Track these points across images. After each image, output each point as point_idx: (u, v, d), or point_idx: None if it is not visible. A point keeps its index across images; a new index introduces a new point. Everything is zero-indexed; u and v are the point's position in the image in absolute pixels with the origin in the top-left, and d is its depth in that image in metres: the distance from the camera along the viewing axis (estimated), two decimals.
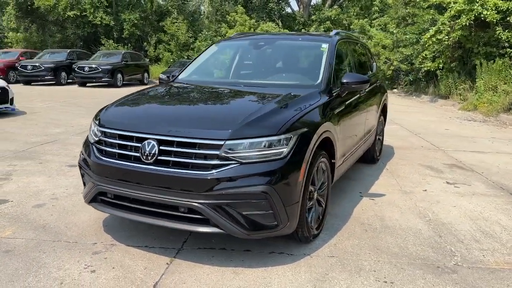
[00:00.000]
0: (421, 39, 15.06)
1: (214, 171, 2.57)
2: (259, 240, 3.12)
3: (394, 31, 18.78)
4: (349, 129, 3.92)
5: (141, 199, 2.76)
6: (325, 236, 3.34)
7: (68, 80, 19.61)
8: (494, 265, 2.93)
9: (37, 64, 18.53)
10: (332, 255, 3.01)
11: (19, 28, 30.46)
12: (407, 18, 18.40)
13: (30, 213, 3.63)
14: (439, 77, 15.03)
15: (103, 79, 18.31)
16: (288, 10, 32.43)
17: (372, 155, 5.55)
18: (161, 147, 2.69)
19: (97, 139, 3.01)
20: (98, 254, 2.93)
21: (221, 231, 2.62)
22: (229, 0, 30.38)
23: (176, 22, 29.65)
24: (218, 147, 2.60)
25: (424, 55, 14.74)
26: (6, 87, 9.07)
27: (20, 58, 20.86)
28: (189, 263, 2.83)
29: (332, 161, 3.43)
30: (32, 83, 18.88)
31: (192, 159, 2.64)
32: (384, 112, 5.88)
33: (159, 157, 2.68)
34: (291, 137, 2.73)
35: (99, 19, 27.84)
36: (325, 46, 4.01)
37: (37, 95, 14.03)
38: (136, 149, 2.76)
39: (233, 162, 2.59)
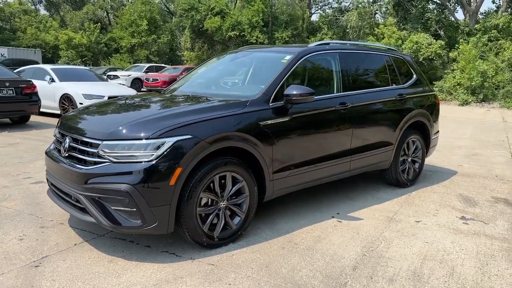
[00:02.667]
0: None
1: (90, 167, 2.96)
2: (170, 239, 3.35)
3: None
4: (302, 142, 3.77)
5: (60, 188, 3.32)
6: (240, 245, 3.34)
7: None
8: None
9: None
10: (214, 263, 3.04)
11: (193, 48, 35.44)
12: None
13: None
14: None
15: None
16: (451, 18, 29.56)
17: (396, 178, 4.99)
18: (70, 144, 3.21)
19: (54, 135, 3.71)
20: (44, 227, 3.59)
21: (94, 221, 2.98)
22: (381, 13, 29.49)
23: (326, 37, 30.19)
24: (97, 146, 2.98)
25: None
26: None
27: (183, 73, 24.46)
28: (88, 247, 3.26)
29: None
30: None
31: (84, 155, 3.07)
32: (418, 131, 5.19)
33: (69, 152, 3.21)
34: (165, 142, 2.91)
35: (255, 37, 30.35)
36: (287, 58, 3.93)
37: None
38: (62, 145, 3.34)
39: (106, 160, 2.93)
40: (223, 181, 3.26)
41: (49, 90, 11.06)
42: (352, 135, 4.24)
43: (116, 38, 36.91)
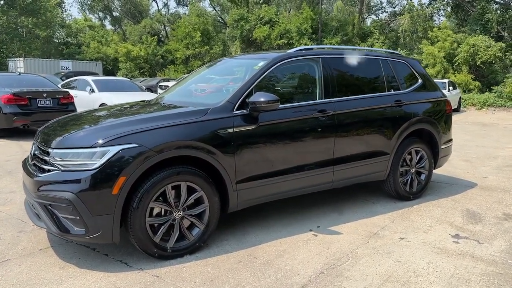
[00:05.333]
0: None
1: (42, 174, 3.04)
2: (130, 249, 3.36)
3: None
4: (272, 151, 3.61)
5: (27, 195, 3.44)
6: (197, 257, 3.27)
7: None
8: None
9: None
10: (160, 275, 2.98)
11: None
12: None
13: None
14: None
15: None
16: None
17: (395, 190, 4.65)
18: (34, 152, 3.34)
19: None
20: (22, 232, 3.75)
21: (45, 227, 3.05)
22: (438, 15, 28.09)
23: (377, 42, 29.33)
24: (49, 154, 3.06)
25: None
26: None
27: (230, 83, 24.80)
28: (51, 252, 3.35)
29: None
30: None
31: (42, 164, 3.17)
32: (423, 140, 4.80)
33: (33, 161, 3.33)
34: (109, 150, 2.92)
35: (304, 45, 30.16)
36: (260, 64, 3.81)
37: None
38: (30, 153, 3.48)
39: (56, 168, 2.99)
40: (177, 190, 3.21)
41: (90, 99, 11.69)
42: (335, 144, 4.00)
43: (171, 50, 38.37)
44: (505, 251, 3.42)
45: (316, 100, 4.00)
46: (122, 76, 32.71)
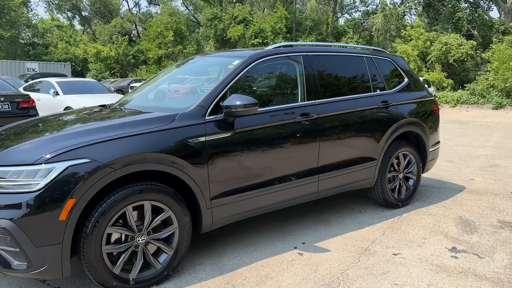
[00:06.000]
0: None
1: None
2: (88, 279, 2.86)
3: None
4: (250, 161, 3.18)
5: None
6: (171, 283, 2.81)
7: None
8: None
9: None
10: None
11: None
12: None
13: None
14: None
15: None
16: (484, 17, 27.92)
17: (383, 198, 4.31)
18: None
19: None
20: None
21: None
22: (410, 14, 28.32)
23: (351, 41, 29.36)
24: None
25: None
26: None
27: (205, 83, 24.25)
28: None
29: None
30: None
31: None
32: (411, 143, 4.49)
33: None
34: (54, 167, 2.43)
35: None
36: (235, 63, 3.38)
37: None
38: None
39: None
40: (141, 211, 2.74)
41: (54, 103, 10.97)
42: (320, 151, 3.61)
43: (143, 50, 37.38)
44: (508, 266, 3.11)
45: (298, 102, 3.59)
46: (92, 78, 31.63)
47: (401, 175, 4.45)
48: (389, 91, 4.33)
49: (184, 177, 2.85)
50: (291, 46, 3.85)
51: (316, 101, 3.65)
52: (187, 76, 4.16)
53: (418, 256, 3.29)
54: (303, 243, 3.56)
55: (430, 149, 4.70)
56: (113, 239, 2.67)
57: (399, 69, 4.61)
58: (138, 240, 2.73)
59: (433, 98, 4.88)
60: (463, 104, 19.44)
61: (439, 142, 4.95)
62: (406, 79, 4.61)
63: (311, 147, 3.56)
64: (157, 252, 2.85)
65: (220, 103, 3.07)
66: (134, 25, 46.48)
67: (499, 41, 21.62)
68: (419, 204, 4.58)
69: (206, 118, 3.02)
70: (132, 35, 45.19)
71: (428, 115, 4.67)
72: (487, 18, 27.43)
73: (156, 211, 2.80)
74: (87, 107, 4.08)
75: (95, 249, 2.54)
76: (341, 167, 3.82)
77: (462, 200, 4.72)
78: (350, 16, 36.98)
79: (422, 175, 4.82)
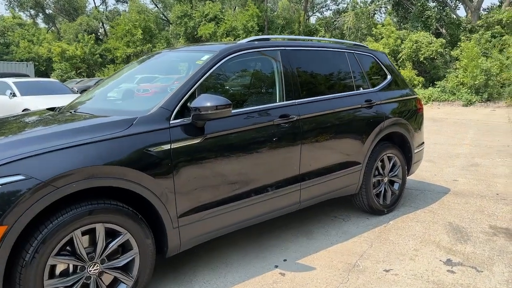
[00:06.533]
0: None
1: None
2: None
3: None
4: (224, 171, 2.77)
5: None
6: None
7: None
8: None
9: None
10: None
11: None
12: None
13: None
14: None
15: None
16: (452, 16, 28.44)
17: (368, 205, 3.98)
18: None
19: None
20: None
21: None
22: (380, 13, 28.51)
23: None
24: None
25: None
26: None
27: (175, 82, 23.59)
28: None
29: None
30: None
31: None
32: (396, 144, 4.19)
33: None
34: None
35: None
36: (204, 58, 2.96)
37: None
38: None
39: None
40: (93, 235, 2.29)
41: (10, 105, 10.20)
42: (301, 156, 3.24)
43: (111, 48, 36.22)
44: (511, 281, 2.82)
45: (276, 102, 3.20)
46: (57, 78, 30.33)
47: (386, 179, 4.14)
48: (372, 89, 4.01)
49: (144, 193, 2.41)
50: (268, 39, 3.46)
51: (296, 101, 3.27)
52: (149, 74, 3.70)
53: (412, 272, 2.96)
54: (285, 260, 3.18)
55: (416, 151, 4.41)
56: (58, 271, 2.21)
57: (381, 65, 4.30)
58: (90, 271, 2.28)
59: (416, 96, 4.60)
60: (434, 102, 19.62)
61: (423, 143, 4.67)
62: (389, 76, 4.30)
63: (291, 152, 3.18)
64: (114, 283, 2.41)
65: (188, 104, 2.64)
66: (101, 23, 45.01)
67: (467, 39, 22.01)
68: (405, 210, 4.28)
69: (171, 122, 2.59)
70: (99, 34, 43.79)
71: (412, 114, 4.38)
72: (455, 17, 27.95)
73: (111, 234, 2.35)
74: (31, 111, 3.55)
75: (34, 284, 2.08)
76: (324, 174, 3.47)
77: (449, 204, 4.45)
78: (321, 14, 37.00)
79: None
